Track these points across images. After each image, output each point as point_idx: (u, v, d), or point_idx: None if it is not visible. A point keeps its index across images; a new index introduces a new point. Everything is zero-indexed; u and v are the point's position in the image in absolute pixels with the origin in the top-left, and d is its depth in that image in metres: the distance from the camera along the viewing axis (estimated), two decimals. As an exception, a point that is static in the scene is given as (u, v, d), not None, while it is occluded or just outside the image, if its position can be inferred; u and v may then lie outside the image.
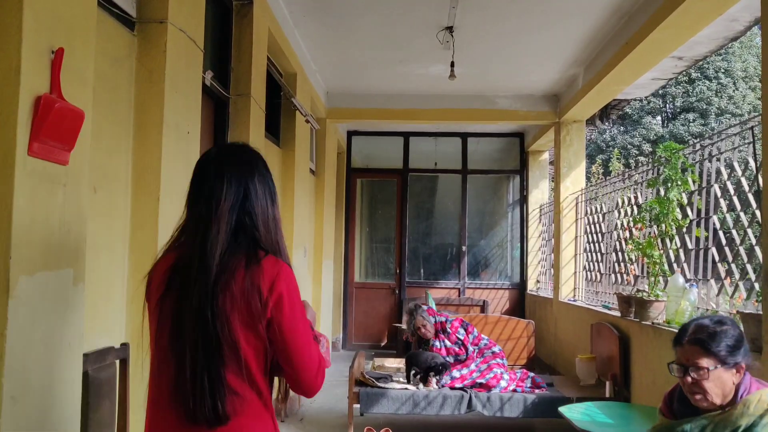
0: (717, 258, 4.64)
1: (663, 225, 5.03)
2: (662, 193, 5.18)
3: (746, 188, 4.09)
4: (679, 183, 4.82)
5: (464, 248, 10.67)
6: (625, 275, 6.30)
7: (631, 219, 6.20)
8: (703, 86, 22.42)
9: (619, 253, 6.54)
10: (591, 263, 7.62)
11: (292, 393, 5.68)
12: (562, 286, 8.16)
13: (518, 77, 7.94)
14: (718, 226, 4.57)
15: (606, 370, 5.76)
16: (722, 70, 22.64)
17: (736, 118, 21.98)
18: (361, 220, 11.17)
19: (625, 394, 5.39)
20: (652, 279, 5.13)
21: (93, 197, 2.79)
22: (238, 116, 4.81)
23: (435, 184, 11.60)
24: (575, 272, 8.08)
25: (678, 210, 4.92)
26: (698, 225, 4.86)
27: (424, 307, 6.13)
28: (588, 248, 7.76)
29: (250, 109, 4.83)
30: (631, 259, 5.99)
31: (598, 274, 7.32)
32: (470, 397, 5.47)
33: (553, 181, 9.78)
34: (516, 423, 5.94)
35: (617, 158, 21.98)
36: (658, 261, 5.10)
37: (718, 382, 2.43)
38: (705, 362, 2.44)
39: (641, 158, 22.43)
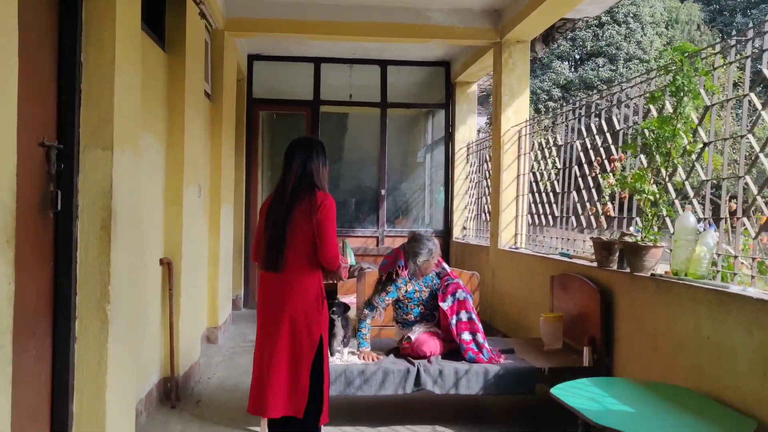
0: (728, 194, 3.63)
1: (664, 152, 3.96)
2: (665, 110, 4.11)
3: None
4: (691, 96, 3.74)
5: (383, 192, 9.46)
6: (594, 218, 5.26)
7: (602, 149, 5.14)
8: (613, 30, 21.99)
9: (584, 192, 5.49)
10: (538, 205, 6.58)
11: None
12: (502, 233, 7.10)
13: (456, -14, 6.69)
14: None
15: (579, 332, 4.73)
16: (631, 15, 22.25)
17: (644, 65, 21.72)
18: (263, 160, 9.69)
19: (606, 363, 4.37)
20: (647, 220, 4.08)
21: None
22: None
23: (350, 119, 10.28)
24: (517, 216, 7.03)
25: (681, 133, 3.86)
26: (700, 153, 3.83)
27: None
28: (534, 188, 6.71)
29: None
30: (605, 198, 4.94)
31: (550, 217, 6.29)
32: (418, 372, 4.30)
33: (490, 116, 8.65)
34: (477, 400, 4.85)
35: (527, 103, 21.29)
36: (653, 197, 4.05)
37: None
38: None
39: (550, 103, 21.87)
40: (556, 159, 6.14)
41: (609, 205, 4.80)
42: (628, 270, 4.20)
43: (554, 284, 5.28)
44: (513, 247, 6.93)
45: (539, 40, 7.79)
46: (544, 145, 6.46)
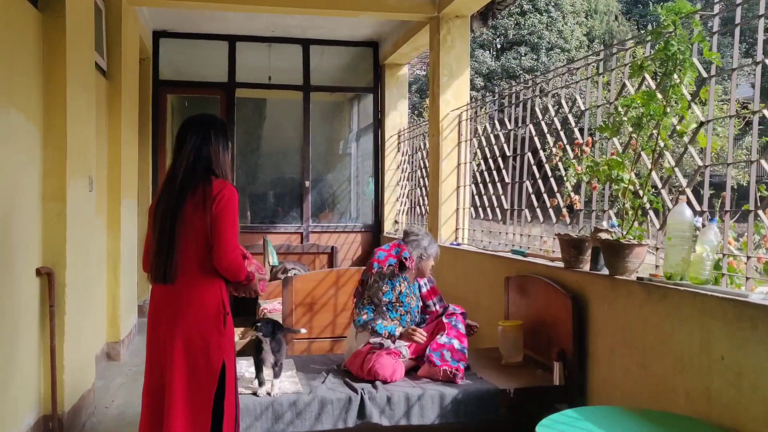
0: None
1: (648, 134, 3.37)
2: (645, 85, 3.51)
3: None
4: (685, 66, 3.14)
5: (308, 184, 8.65)
6: (553, 210, 4.66)
7: (561, 133, 4.55)
8: (535, 19, 21.74)
9: (540, 182, 4.88)
10: (483, 197, 5.95)
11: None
12: (442, 227, 6.44)
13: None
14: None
15: (544, 344, 4.10)
16: (552, 3, 22.08)
17: (565, 54, 21.63)
18: (167, 151, 8.69)
19: (579, 381, 3.76)
20: (628, 214, 3.48)
21: None
22: None
23: (270, 106, 9.40)
24: (458, 209, 6.38)
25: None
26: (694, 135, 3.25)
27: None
28: (478, 179, 6.07)
29: None
30: (567, 189, 4.32)
31: (498, 210, 5.66)
32: (362, 400, 3.56)
33: (427, 99, 7.98)
34: (433, 429, 4.14)
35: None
36: (635, 187, 3.46)
37: None
38: None
39: (473, 93, 21.46)
40: (505, 145, 5.51)
41: (575, 196, 4.18)
42: (605, 272, 3.58)
43: (509, 287, 4.64)
44: (455, 243, 6.28)
45: (477, 18, 7.13)
46: (489, 130, 5.83)
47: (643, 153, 3.49)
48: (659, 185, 3.52)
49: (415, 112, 21.40)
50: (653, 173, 3.45)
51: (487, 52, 22.86)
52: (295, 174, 8.85)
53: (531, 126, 5.08)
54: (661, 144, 3.34)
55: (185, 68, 8.67)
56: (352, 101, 9.61)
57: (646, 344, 3.21)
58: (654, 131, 3.36)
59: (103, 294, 5.64)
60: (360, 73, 9.05)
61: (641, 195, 3.45)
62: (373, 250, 4.19)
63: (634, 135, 3.47)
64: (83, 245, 4.32)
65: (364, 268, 4.14)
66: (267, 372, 3.57)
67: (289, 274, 6.75)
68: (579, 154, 4.20)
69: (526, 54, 21.77)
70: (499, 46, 23.01)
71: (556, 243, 4.90)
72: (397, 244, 4.11)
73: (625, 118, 3.57)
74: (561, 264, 4.09)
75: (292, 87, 8.67)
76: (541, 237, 4.81)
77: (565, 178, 4.28)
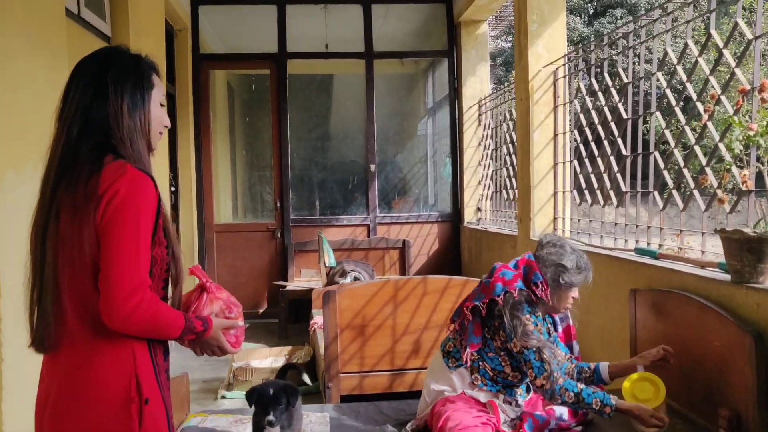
0: None
1: None
2: None
3: None
4: None
5: (373, 168, 7.39)
6: (713, 192, 3.21)
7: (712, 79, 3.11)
8: (632, -22, 19.64)
9: (677, 152, 3.42)
10: (589, 177, 4.52)
11: None
12: (535, 216, 5.04)
13: None
14: None
15: (701, 396, 2.68)
16: (653, -42, 19.91)
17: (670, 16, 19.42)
18: (218, 133, 7.62)
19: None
20: None
21: None
22: None
23: (328, 79, 8.20)
24: (556, 192, 4.97)
25: None
26: None
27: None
28: (583, 152, 4.64)
29: None
30: (728, 162, 2.86)
31: (611, 193, 4.21)
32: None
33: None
34: None
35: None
36: None
37: None
38: None
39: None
40: (620, 105, 4.06)
41: (743, 171, 2.71)
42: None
43: (637, 303, 3.23)
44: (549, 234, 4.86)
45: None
46: (596, 86, 4.38)
47: None
48: None
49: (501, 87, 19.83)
50: None
51: (578, 17, 20.91)
52: (358, 157, 7.62)
53: (660, 75, 3.61)
54: None
55: (229, 39, 7.60)
56: (426, 72, 8.28)
57: None
58: None
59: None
60: (432, 36, 7.71)
61: None
62: (493, 266, 2.81)
63: None
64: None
65: (476, 289, 2.77)
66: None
67: (346, 279, 5.55)
68: (745, 107, 2.76)
69: (622, 17, 19.68)
70: (591, 11, 21.00)
71: (694, 239, 3.50)
72: (527, 260, 2.75)
73: None
74: (723, 274, 2.67)
75: (353, 55, 7.43)
76: (681, 231, 3.35)
77: (725, 143, 2.83)
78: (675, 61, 3.43)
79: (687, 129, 3.29)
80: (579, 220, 4.81)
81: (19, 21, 2.98)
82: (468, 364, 2.62)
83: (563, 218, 4.92)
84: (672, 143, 3.42)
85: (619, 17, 19.66)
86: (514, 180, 5.96)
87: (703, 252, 3.15)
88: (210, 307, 1.79)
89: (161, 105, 1.77)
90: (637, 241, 3.78)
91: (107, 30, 4.68)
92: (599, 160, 4.35)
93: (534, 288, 2.61)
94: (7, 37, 2.88)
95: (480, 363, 2.65)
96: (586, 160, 4.56)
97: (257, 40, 7.50)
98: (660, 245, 3.55)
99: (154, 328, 1.58)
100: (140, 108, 1.68)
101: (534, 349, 2.51)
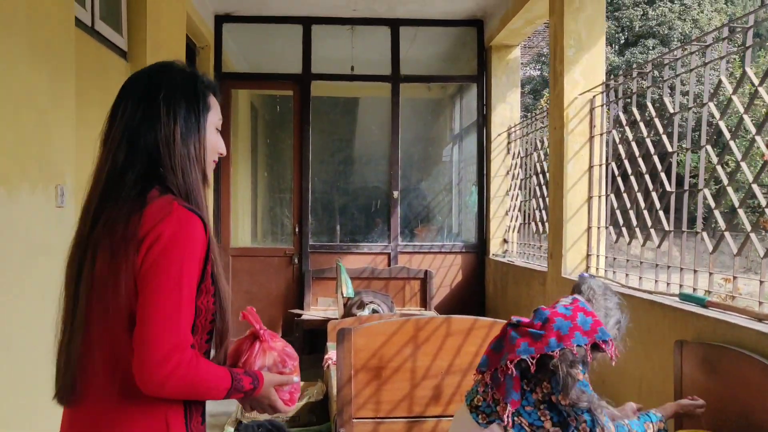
0: None
1: None
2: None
3: None
4: None
5: (396, 195, 7.14)
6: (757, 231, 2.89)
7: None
8: (665, 8, 19.36)
9: (730, 190, 3.11)
10: (627, 212, 4.21)
11: None
12: (567, 253, 4.74)
13: None
14: None
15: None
16: (686, -11, 19.66)
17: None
18: (239, 154, 7.43)
19: None
20: None
21: None
22: None
23: (353, 102, 8.00)
24: (590, 227, 4.67)
25: None
26: None
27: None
28: (621, 186, 4.34)
29: None
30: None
31: (651, 232, 3.90)
32: None
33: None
34: None
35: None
36: None
37: None
38: None
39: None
40: (663, 137, 3.76)
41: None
42: None
43: (684, 357, 2.91)
44: (585, 275, 4.55)
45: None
46: (637, 116, 4.09)
47: None
48: None
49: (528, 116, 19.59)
50: None
51: (609, 47, 20.66)
52: (381, 183, 7.37)
53: (712, 105, 3.32)
54: None
55: (253, 58, 7.44)
56: (454, 97, 8.06)
57: None
58: None
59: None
60: (461, 61, 7.48)
61: None
62: (541, 313, 2.43)
63: None
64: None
65: (516, 338, 2.42)
66: None
67: (364, 312, 5.27)
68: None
69: (654, 47, 19.41)
70: (622, 40, 20.74)
71: (744, 283, 3.16)
72: (581, 306, 2.43)
73: None
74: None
75: (379, 78, 7.21)
76: (735, 278, 3.03)
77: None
78: (730, 90, 3.14)
79: (744, 165, 2.99)
80: (615, 258, 4.49)
81: (23, 28, 2.78)
82: (510, 426, 2.31)
83: (597, 255, 4.62)
84: (725, 180, 3.12)
85: (651, 48, 19.39)
86: (544, 212, 5.66)
87: (760, 303, 2.83)
88: (263, 358, 1.57)
89: (217, 130, 1.55)
90: (681, 285, 3.47)
91: (123, 44, 4.50)
92: (639, 195, 4.05)
93: (602, 345, 2.30)
94: (8, 44, 2.68)
95: (516, 418, 2.34)
96: (625, 195, 4.26)
97: (281, 60, 7.35)
98: (708, 291, 3.23)
99: (193, 392, 1.36)
100: (195, 133, 1.47)
101: (587, 408, 2.23)
